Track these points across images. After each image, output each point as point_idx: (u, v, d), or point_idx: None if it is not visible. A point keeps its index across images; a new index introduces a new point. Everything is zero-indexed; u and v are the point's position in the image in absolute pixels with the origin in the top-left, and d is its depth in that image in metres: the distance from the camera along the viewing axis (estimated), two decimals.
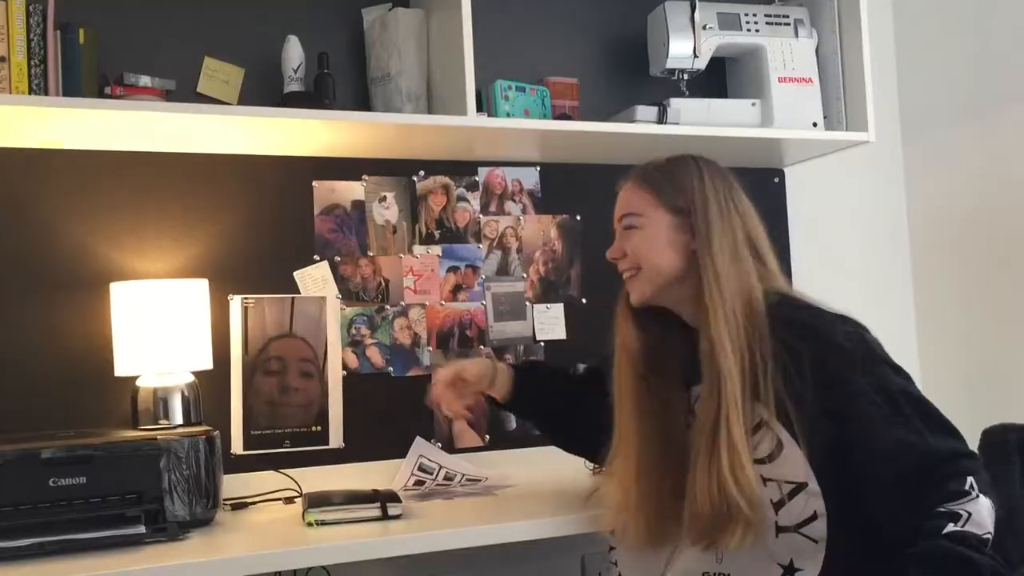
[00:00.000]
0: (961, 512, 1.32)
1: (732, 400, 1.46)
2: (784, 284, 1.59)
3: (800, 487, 1.46)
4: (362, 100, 2.16)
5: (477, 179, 2.30)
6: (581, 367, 1.94)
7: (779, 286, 1.57)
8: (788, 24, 2.32)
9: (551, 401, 1.86)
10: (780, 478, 1.47)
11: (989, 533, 1.31)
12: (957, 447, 1.40)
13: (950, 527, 1.31)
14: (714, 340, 1.49)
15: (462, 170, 2.28)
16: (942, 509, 1.33)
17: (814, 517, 1.45)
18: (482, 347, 2.26)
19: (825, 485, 1.45)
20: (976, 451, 1.44)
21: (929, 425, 1.41)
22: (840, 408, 1.44)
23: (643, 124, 2.14)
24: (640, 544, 1.59)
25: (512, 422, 2.27)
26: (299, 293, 2.12)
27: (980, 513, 1.32)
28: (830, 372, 1.45)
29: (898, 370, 1.47)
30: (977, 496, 1.33)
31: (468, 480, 2.09)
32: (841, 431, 1.44)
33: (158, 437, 1.69)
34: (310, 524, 1.68)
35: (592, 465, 2.16)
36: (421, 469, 2.11)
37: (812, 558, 1.45)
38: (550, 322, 2.33)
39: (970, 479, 1.35)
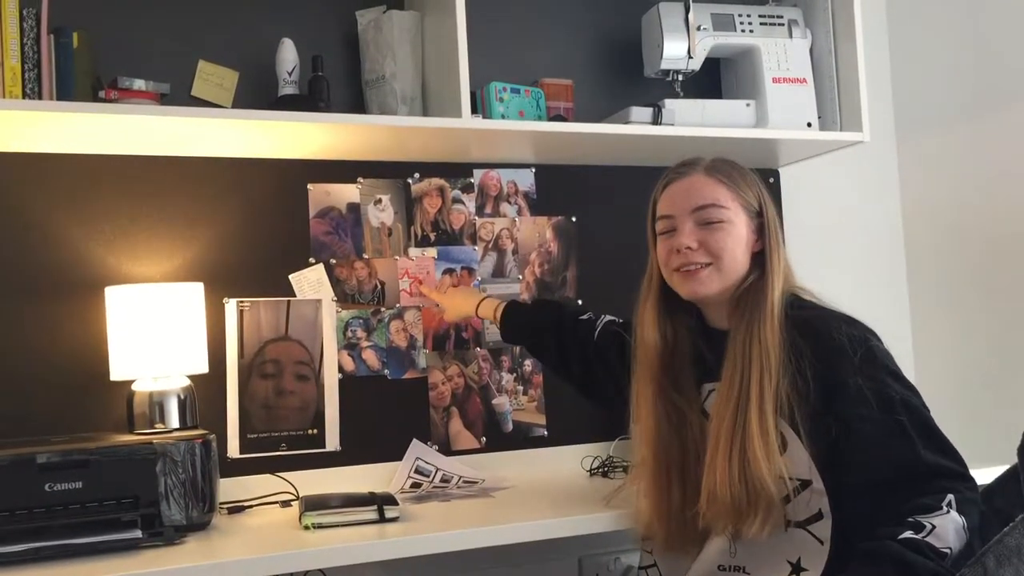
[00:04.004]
0: (926, 524, 1.34)
1: (768, 391, 1.46)
2: (795, 284, 1.61)
3: (805, 484, 1.47)
4: (357, 103, 2.16)
5: (472, 181, 2.30)
6: (605, 319, 1.94)
7: (791, 286, 1.59)
8: (782, 25, 2.32)
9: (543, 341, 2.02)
10: (785, 474, 1.47)
11: (949, 548, 1.32)
12: (946, 465, 1.41)
13: (908, 534, 1.33)
14: (759, 336, 1.49)
15: (457, 172, 2.28)
16: (909, 519, 1.35)
17: (820, 516, 1.46)
18: (479, 348, 2.26)
19: (827, 484, 1.45)
20: (970, 474, 1.43)
21: (923, 439, 1.41)
22: (837, 409, 1.44)
23: (638, 125, 2.14)
24: (666, 549, 1.61)
25: (508, 423, 2.27)
26: (295, 296, 2.12)
27: (945, 528, 1.33)
28: (829, 373, 1.45)
29: (902, 380, 1.47)
30: (948, 512, 1.34)
31: (465, 482, 2.09)
32: (837, 432, 1.44)
33: (154, 441, 1.69)
34: (307, 527, 1.68)
35: (591, 467, 2.17)
36: (418, 471, 2.11)
37: (817, 559, 1.46)
38: None
39: (949, 496, 1.36)
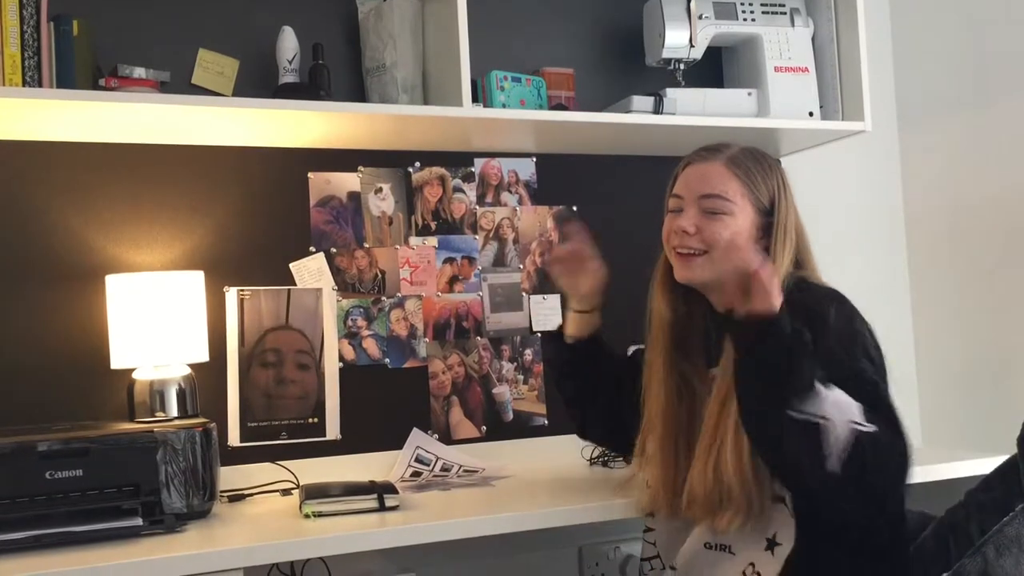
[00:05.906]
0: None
1: None
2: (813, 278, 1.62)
3: None
4: (357, 91, 2.16)
5: (473, 170, 2.29)
6: (632, 349, 1.93)
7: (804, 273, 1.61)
8: (784, 13, 2.31)
9: (604, 370, 1.83)
10: (752, 478, 1.50)
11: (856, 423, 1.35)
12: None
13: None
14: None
15: (458, 161, 2.28)
16: None
17: None
18: (479, 338, 2.26)
19: None
20: (906, 438, 1.43)
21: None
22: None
23: (639, 114, 2.13)
24: (668, 515, 1.62)
25: (509, 412, 2.27)
26: (295, 285, 2.12)
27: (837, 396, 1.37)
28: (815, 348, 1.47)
29: (875, 362, 1.49)
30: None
31: (465, 471, 2.10)
32: None
33: (154, 429, 1.69)
34: (307, 516, 1.69)
35: (591, 456, 2.17)
36: (418, 460, 2.12)
37: (788, 532, 1.49)
38: (546, 313, 2.32)
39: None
